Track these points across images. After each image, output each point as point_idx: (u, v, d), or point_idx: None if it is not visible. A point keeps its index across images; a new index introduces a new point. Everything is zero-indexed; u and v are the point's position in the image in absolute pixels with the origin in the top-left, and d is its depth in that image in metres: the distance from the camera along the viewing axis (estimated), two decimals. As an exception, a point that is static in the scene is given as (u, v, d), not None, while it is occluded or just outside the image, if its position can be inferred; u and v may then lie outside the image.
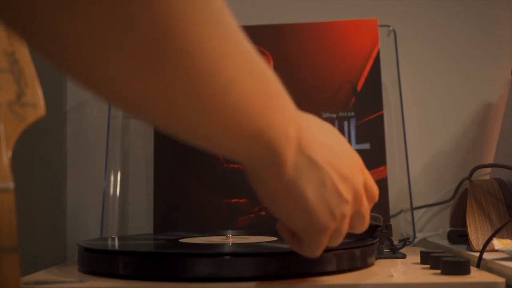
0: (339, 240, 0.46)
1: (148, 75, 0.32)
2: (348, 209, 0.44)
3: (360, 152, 0.84)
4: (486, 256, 0.61)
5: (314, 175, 0.43)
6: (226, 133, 0.38)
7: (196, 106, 0.35)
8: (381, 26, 0.88)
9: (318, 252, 0.46)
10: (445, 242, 0.78)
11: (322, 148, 0.44)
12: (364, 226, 0.48)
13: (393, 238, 0.64)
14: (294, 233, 0.46)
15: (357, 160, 0.47)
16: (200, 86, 0.34)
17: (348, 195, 0.44)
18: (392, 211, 0.87)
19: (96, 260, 0.55)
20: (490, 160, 0.92)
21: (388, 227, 0.63)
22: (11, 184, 0.35)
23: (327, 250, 0.52)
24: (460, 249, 0.71)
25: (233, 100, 0.36)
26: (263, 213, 0.83)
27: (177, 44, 0.31)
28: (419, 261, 0.58)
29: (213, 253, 0.52)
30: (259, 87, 0.38)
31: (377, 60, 0.86)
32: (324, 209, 0.43)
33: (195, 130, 0.37)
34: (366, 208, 0.47)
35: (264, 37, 0.88)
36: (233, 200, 0.84)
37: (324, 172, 0.43)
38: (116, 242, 0.69)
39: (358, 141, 0.84)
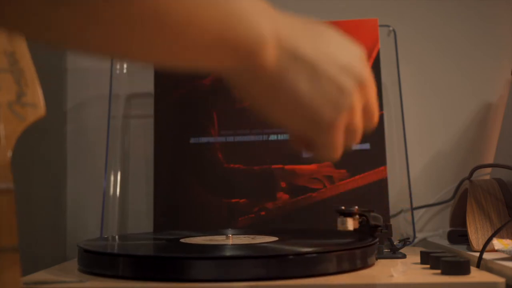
0: (356, 137, 0.44)
1: None
2: (355, 100, 0.42)
3: (360, 152, 0.85)
4: (486, 256, 0.61)
5: (304, 69, 0.40)
6: (185, 42, 0.34)
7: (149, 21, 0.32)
8: (381, 26, 0.88)
9: (337, 153, 0.44)
10: (445, 242, 0.78)
11: (311, 40, 0.41)
12: (357, 137, 0.45)
13: (393, 238, 0.64)
14: (308, 142, 0.44)
15: (359, 52, 0.44)
16: None
17: (350, 85, 0.41)
18: (392, 211, 0.87)
19: (96, 261, 0.55)
20: (490, 160, 0.92)
21: (388, 227, 0.63)
22: (11, 184, 0.35)
23: (328, 250, 0.52)
24: (460, 249, 0.71)
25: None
26: (263, 213, 0.83)
27: None
28: (419, 261, 0.58)
29: (214, 255, 0.52)
30: None
31: (377, 60, 0.86)
32: (324, 103, 0.40)
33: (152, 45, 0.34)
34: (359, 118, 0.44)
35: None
36: (233, 200, 0.84)
37: (315, 63, 0.40)
38: (116, 242, 0.69)
39: (358, 141, 0.84)
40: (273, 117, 0.42)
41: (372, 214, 0.60)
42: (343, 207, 0.57)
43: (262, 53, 0.37)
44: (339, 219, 0.56)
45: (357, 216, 0.58)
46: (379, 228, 0.62)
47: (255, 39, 0.37)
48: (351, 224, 0.56)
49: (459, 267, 0.50)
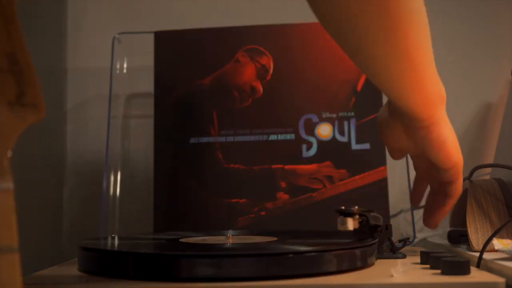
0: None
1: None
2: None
3: (360, 152, 0.85)
4: (486, 256, 0.61)
5: (447, 123, 0.59)
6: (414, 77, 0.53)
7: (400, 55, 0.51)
8: (381, 26, 0.88)
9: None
10: (445, 242, 0.78)
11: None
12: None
13: (393, 238, 0.64)
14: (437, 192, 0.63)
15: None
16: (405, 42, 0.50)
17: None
18: (392, 211, 0.87)
19: (96, 260, 0.55)
20: (490, 160, 0.92)
21: (388, 227, 0.63)
22: (11, 184, 0.35)
23: (327, 249, 0.52)
24: (460, 249, 0.71)
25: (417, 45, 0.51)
26: (263, 213, 0.83)
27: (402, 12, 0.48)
28: (419, 261, 0.58)
29: (214, 254, 0.52)
30: (425, 40, 0.52)
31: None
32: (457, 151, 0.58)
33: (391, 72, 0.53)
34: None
35: (264, 37, 0.88)
36: (233, 200, 0.84)
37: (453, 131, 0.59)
38: (116, 242, 0.69)
39: (358, 141, 0.84)
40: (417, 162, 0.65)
41: (372, 214, 0.60)
42: (343, 207, 0.57)
43: (440, 108, 0.58)
44: (339, 219, 0.56)
45: (357, 216, 0.58)
46: (379, 228, 0.62)
47: (442, 93, 0.58)
48: (351, 224, 0.56)
49: (459, 267, 0.50)
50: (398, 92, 0.54)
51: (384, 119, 0.62)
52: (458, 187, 0.61)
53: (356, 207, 0.58)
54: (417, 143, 0.59)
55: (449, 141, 0.57)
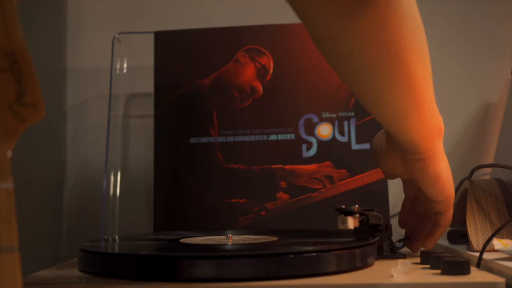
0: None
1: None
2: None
3: (360, 152, 0.85)
4: (486, 256, 0.61)
5: (446, 163, 0.58)
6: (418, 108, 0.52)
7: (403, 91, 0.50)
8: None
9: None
10: (445, 242, 0.78)
11: None
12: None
13: (393, 238, 0.64)
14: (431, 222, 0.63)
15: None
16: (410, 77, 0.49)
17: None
18: (392, 211, 0.87)
19: (96, 261, 0.55)
20: (490, 160, 0.92)
21: (388, 227, 0.63)
22: (11, 184, 0.35)
23: (327, 249, 0.52)
24: (460, 249, 0.71)
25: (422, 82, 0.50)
26: (263, 213, 0.83)
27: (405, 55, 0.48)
28: (419, 261, 0.58)
29: (213, 255, 0.52)
30: (429, 74, 0.52)
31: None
32: (451, 185, 0.59)
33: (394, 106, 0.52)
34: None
35: (264, 37, 0.88)
36: (233, 200, 0.84)
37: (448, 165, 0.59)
38: (116, 243, 0.69)
39: (358, 141, 0.84)
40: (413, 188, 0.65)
41: (372, 213, 0.60)
42: (343, 206, 0.57)
43: (438, 141, 0.56)
44: (340, 218, 0.56)
45: (357, 215, 0.58)
46: (379, 227, 0.62)
47: (441, 126, 0.56)
48: (351, 222, 0.56)
49: (459, 267, 0.50)
50: (400, 126, 0.54)
51: (380, 147, 0.62)
52: (448, 218, 0.62)
53: (357, 205, 0.58)
54: (413, 173, 0.59)
55: (444, 175, 0.58)
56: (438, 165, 0.57)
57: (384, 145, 0.61)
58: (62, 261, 0.66)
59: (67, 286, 0.50)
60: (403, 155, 0.58)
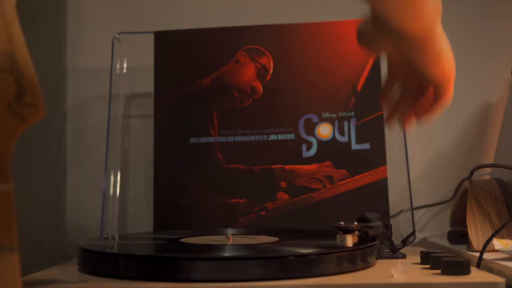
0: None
1: None
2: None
3: (360, 152, 0.85)
4: (486, 256, 0.61)
5: (446, 42, 0.58)
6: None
7: None
8: (381, 26, 0.88)
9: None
10: (445, 242, 0.78)
11: None
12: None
13: (393, 238, 0.64)
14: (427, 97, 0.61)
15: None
16: None
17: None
18: (392, 211, 0.87)
19: (96, 260, 0.55)
20: (490, 160, 0.92)
21: (388, 227, 0.63)
22: (11, 185, 0.35)
23: (328, 252, 0.52)
24: (460, 249, 0.71)
25: None
26: (263, 213, 0.83)
27: None
28: (419, 261, 0.58)
29: (214, 256, 0.52)
30: None
31: (377, 60, 0.86)
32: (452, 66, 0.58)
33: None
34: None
35: (264, 37, 0.88)
36: (233, 200, 0.84)
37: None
38: (116, 242, 0.69)
39: (358, 141, 0.84)
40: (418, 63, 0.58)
41: (372, 224, 0.59)
42: (342, 223, 0.56)
43: (438, 21, 0.56)
44: (338, 236, 0.55)
45: (356, 232, 0.57)
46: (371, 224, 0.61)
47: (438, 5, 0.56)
48: (350, 241, 0.55)
49: (459, 267, 0.50)
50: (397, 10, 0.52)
51: (366, 30, 0.58)
52: (449, 96, 0.61)
53: (356, 223, 0.58)
54: (408, 58, 0.56)
55: (443, 56, 0.57)
56: (437, 47, 0.56)
57: (372, 29, 0.57)
58: (62, 261, 0.66)
59: (67, 286, 0.50)
60: (396, 40, 0.55)
